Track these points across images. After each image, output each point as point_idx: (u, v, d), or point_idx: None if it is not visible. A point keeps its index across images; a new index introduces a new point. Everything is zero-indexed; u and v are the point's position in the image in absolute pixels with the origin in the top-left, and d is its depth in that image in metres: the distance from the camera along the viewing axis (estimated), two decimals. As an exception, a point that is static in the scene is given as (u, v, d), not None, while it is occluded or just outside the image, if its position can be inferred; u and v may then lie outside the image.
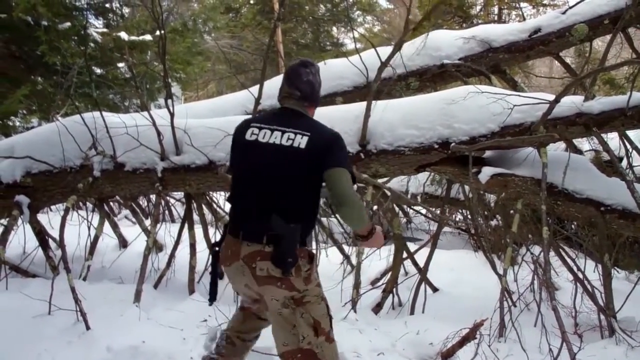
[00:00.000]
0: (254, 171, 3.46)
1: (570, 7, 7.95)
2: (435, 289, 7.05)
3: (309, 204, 3.53)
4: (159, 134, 6.33)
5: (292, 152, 3.36)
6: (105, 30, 12.86)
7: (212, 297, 3.60)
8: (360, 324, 5.21)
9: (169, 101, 6.42)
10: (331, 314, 3.62)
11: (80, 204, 7.94)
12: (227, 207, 3.72)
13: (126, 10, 15.80)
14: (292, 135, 3.39)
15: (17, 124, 12.48)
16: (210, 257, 3.62)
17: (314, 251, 5.69)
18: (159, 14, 6.58)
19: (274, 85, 8.23)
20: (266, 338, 4.87)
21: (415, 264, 6.82)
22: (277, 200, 3.38)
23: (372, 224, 3.55)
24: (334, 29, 28.68)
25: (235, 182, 3.61)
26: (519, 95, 6.12)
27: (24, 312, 5.23)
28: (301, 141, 3.37)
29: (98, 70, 12.37)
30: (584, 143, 8.22)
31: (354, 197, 3.39)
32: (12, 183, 6.52)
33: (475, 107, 6.04)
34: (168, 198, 10.12)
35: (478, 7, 18.23)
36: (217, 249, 3.62)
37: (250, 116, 5.24)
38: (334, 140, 3.45)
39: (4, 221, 6.68)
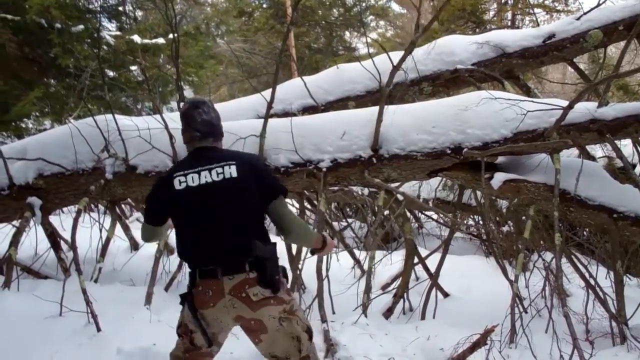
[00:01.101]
0: (204, 214, 3.51)
1: (585, 13, 7.91)
2: (446, 295, 7.03)
3: (263, 224, 3.61)
4: (171, 137, 6.34)
5: (228, 183, 3.48)
6: (118, 33, 12.94)
7: (210, 343, 3.57)
8: (371, 328, 5.20)
9: (182, 104, 6.44)
10: None
11: (92, 206, 7.98)
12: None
13: (139, 13, 15.88)
14: (219, 170, 3.50)
15: (30, 126, 12.56)
16: (188, 310, 3.58)
17: (325, 255, 5.73)
18: (172, 17, 6.61)
19: (286, 89, 8.30)
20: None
21: (426, 269, 6.80)
22: (243, 229, 3.49)
23: (321, 235, 3.78)
24: (347, 33, 28.65)
25: (184, 230, 3.64)
26: (532, 101, 6.08)
27: (35, 313, 5.25)
28: (230, 170, 3.49)
29: (111, 73, 12.42)
30: (597, 149, 8.19)
31: (297, 221, 3.67)
32: (25, 185, 6.55)
33: (489, 112, 6.01)
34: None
35: (491, 13, 18.20)
36: (189, 297, 3.61)
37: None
38: (257, 164, 3.73)
39: (16, 222, 6.72)
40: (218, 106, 8.30)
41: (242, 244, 3.41)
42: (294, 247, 6.64)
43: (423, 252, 7.20)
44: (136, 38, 12.27)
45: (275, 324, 3.46)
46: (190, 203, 3.51)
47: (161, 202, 3.66)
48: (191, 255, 3.65)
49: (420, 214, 11.31)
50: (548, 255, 6.54)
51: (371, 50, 8.13)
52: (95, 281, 6.42)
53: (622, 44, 6.66)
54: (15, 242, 6.31)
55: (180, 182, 3.50)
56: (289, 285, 3.89)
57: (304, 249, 6.32)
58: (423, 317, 6.32)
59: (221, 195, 3.49)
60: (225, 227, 3.47)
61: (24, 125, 12.31)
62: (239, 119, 7.46)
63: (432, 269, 6.64)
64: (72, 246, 6.02)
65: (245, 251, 3.39)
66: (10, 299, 5.66)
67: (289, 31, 8.66)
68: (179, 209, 3.57)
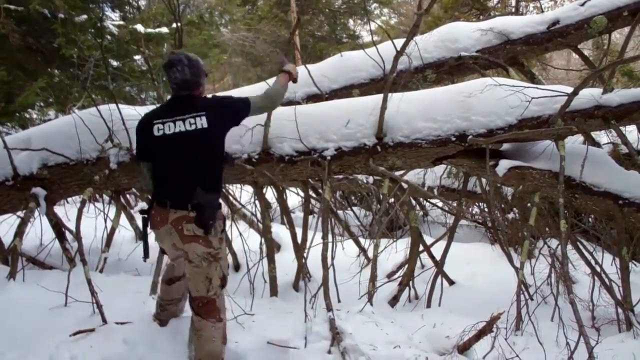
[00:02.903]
0: (172, 158, 4.29)
1: (589, -1, 7.87)
2: (451, 282, 7.04)
3: (218, 175, 4.49)
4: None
5: (199, 133, 4.25)
6: (121, 22, 12.93)
7: (145, 254, 4.62)
8: (377, 316, 5.18)
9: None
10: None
11: (97, 196, 7.96)
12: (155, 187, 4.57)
13: (142, 2, 15.85)
14: (192, 120, 4.26)
15: (34, 116, 12.56)
16: (141, 222, 4.55)
17: (330, 243, 5.71)
18: (176, 6, 6.60)
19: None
20: (282, 331, 4.87)
21: (431, 257, 6.79)
22: (196, 176, 4.26)
23: (281, 76, 5.09)
24: (351, 21, 28.63)
25: (157, 168, 4.43)
26: (536, 88, 6.05)
27: (40, 304, 5.26)
28: (202, 121, 4.26)
29: (114, 63, 12.43)
30: (602, 136, 8.15)
31: (266, 98, 4.87)
32: (29, 175, 6.55)
33: (493, 99, 5.99)
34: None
35: (495, 0, 18.12)
36: (146, 216, 4.52)
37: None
38: (221, 103, 4.58)
39: (21, 213, 6.71)
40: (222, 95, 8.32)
41: (188, 188, 4.18)
42: (299, 236, 6.65)
43: (428, 240, 7.19)
44: (139, 27, 12.27)
45: (197, 260, 4.23)
46: (165, 148, 4.30)
47: (143, 142, 4.49)
48: (158, 189, 4.43)
49: (425, 201, 11.30)
50: (553, 242, 6.52)
51: (375, 38, 8.05)
52: (101, 271, 6.43)
53: (627, 29, 6.62)
54: (20, 232, 6.32)
55: (158, 129, 4.30)
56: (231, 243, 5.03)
57: (309, 237, 6.34)
58: (429, 305, 6.33)
59: (189, 144, 4.26)
60: (182, 172, 4.28)
61: (28, 116, 12.31)
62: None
63: (438, 257, 6.64)
64: (77, 236, 6.00)
65: (188, 195, 4.17)
66: (16, 289, 5.67)
67: (299, 21, 8.62)
68: (156, 152, 4.37)
